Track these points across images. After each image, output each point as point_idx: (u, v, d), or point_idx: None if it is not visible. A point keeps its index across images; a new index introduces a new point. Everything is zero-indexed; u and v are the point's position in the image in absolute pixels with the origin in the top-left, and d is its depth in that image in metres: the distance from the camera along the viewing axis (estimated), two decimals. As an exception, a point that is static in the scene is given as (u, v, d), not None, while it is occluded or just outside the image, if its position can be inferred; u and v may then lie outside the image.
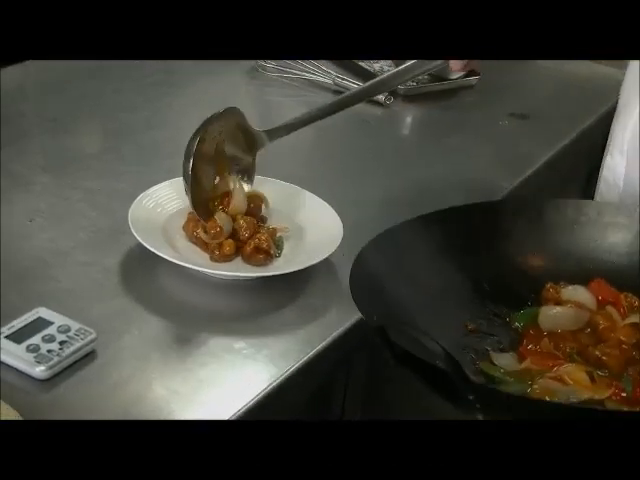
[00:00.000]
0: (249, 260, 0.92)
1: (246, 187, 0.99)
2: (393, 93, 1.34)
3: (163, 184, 0.99)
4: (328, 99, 1.35)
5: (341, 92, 1.35)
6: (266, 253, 0.92)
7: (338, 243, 0.92)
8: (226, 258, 0.92)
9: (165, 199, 0.98)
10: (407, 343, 0.66)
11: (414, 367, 0.66)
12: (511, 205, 0.87)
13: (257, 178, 1.03)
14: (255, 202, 0.98)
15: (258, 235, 0.93)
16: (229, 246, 0.92)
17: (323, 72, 1.38)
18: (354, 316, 0.88)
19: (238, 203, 0.95)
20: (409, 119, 1.38)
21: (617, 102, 1.11)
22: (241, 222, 0.93)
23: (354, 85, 1.34)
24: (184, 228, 0.95)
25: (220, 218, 0.93)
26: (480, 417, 0.64)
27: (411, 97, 1.36)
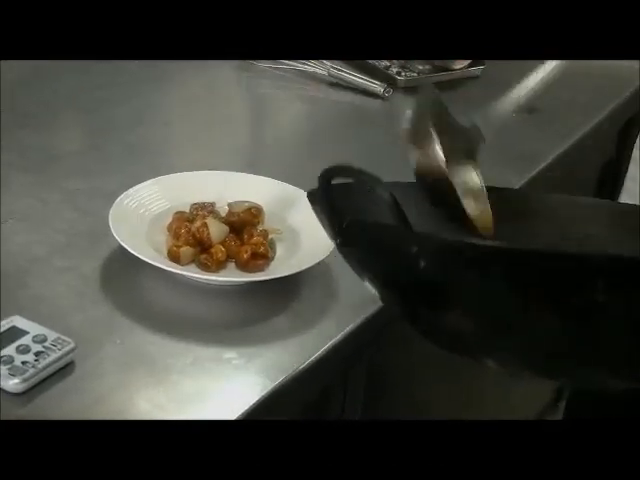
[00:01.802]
0: (246, 267, 0.91)
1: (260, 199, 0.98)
2: (392, 84, 1.33)
3: (146, 183, 0.99)
4: (323, 91, 1.35)
5: (336, 84, 1.35)
6: (264, 257, 0.92)
7: (333, 246, 0.91)
8: (219, 265, 0.91)
9: (149, 199, 0.97)
10: (354, 203, 0.66)
11: (359, 231, 0.66)
12: None
13: (247, 177, 1.03)
14: (253, 218, 0.96)
15: (253, 240, 0.93)
16: (220, 252, 0.91)
17: (317, 63, 1.37)
18: (352, 323, 0.88)
19: (216, 237, 0.93)
20: (409, 112, 1.38)
21: (632, 94, 1.10)
22: (219, 254, 0.92)
23: (350, 76, 1.33)
24: (169, 229, 0.95)
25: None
26: (425, 277, 0.62)
27: (412, 89, 1.35)
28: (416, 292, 0.64)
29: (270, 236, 0.95)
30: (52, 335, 0.80)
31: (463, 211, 0.75)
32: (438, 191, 0.75)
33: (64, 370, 0.78)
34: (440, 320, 0.65)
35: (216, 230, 0.93)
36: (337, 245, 0.67)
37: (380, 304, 0.90)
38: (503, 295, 0.60)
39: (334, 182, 0.69)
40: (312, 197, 0.71)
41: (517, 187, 1.13)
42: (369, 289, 0.70)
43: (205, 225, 0.92)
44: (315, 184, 1.02)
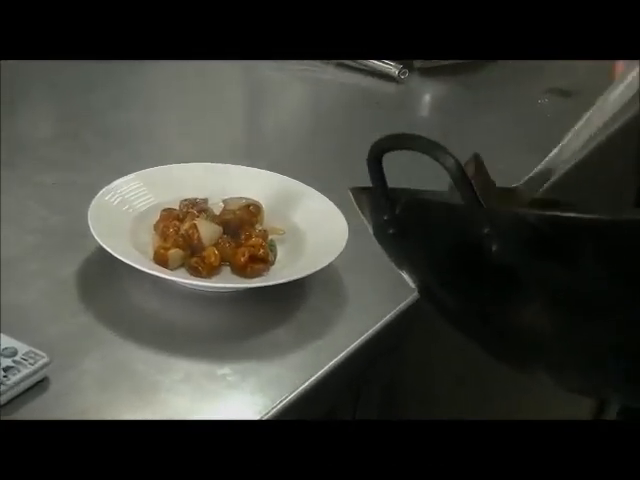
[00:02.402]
0: (243, 272, 0.92)
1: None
2: (408, 66, 1.34)
3: (130, 176, 0.99)
4: (329, 73, 1.35)
5: (345, 64, 1.35)
6: (263, 261, 0.92)
7: (342, 248, 0.92)
8: (212, 270, 0.92)
9: (133, 194, 0.98)
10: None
11: (417, 215, 0.65)
12: None
13: (245, 170, 1.04)
14: (251, 216, 0.96)
15: (251, 241, 0.93)
16: (214, 256, 0.92)
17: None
18: (363, 335, 0.88)
19: (207, 240, 0.93)
20: (427, 97, 1.38)
21: None
22: (212, 257, 0.92)
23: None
24: (155, 228, 0.95)
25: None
26: (498, 262, 0.60)
27: (430, 71, 1.36)
28: (485, 284, 0.62)
29: (270, 237, 0.96)
30: (23, 348, 0.80)
31: None
32: None
33: (37, 387, 0.78)
34: (508, 318, 0.63)
35: (207, 232, 0.93)
36: (390, 237, 0.66)
37: (396, 313, 0.91)
38: (591, 281, 0.58)
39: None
40: (357, 192, 0.70)
41: (550, 181, 1.13)
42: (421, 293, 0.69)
43: (194, 227, 0.93)
44: (321, 177, 1.04)
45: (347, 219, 0.95)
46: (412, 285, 0.69)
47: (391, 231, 0.65)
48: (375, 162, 0.67)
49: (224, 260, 0.93)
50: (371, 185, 0.67)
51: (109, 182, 0.98)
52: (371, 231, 0.69)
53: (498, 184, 1.08)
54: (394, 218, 0.65)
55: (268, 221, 0.98)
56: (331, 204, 0.98)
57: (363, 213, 0.69)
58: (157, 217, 0.96)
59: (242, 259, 0.92)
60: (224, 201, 0.99)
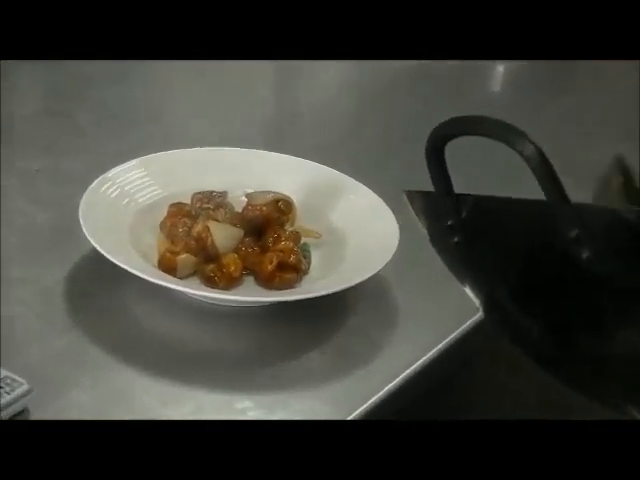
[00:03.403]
0: (269, 282, 0.92)
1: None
2: (476, 32, 1.34)
3: (132, 163, 1.00)
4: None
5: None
6: (295, 269, 0.92)
7: (392, 254, 0.92)
8: (231, 281, 0.92)
9: (135, 185, 0.99)
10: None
11: (487, 217, 0.65)
12: None
13: (274, 157, 1.04)
14: (280, 214, 0.97)
15: (280, 245, 0.93)
16: (234, 265, 0.92)
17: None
18: (416, 363, 0.88)
19: (223, 246, 0.93)
20: (500, 70, 1.38)
21: None
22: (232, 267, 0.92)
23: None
24: (162, 227, 0.95)
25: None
26: (590, 274, 0.60)
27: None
28: (573, 301, 0.63)
29: (303, 240, 0.96)
30: (-1, 373, 0.80)
31: None
32: None
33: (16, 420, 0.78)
34: (602, 343, 0.63)
35: (223, 236, 0.93)
36: (454, 246, 0.66)
37: (457, 336, 0.90)
38: None
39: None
40: (413, 196, 0.70)
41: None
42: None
43: (207, 230, 0.92)
44: (368, 168, 1.03)
45: (398, 218, 0.95)
46: (477, 304, 0.69)
47: (456, 239, 0.65)
48: (435, 153, 0.66)
49: (246, 268, 0.93)
50: (430, 184, 0.66)
51: (106, 170, 0.98)
52: (429, 239, 0.69)
53: (592, 179, 1.08)
54: (460, 222, 0.65)
55: (301, 221, 0.98)
56: (379, 200, 0.98)
57: (420, 219, 0.69)
58: (164, 213, 0.96)
59: (269, 267, 0.92)
60: (247, 195, 0.98)
